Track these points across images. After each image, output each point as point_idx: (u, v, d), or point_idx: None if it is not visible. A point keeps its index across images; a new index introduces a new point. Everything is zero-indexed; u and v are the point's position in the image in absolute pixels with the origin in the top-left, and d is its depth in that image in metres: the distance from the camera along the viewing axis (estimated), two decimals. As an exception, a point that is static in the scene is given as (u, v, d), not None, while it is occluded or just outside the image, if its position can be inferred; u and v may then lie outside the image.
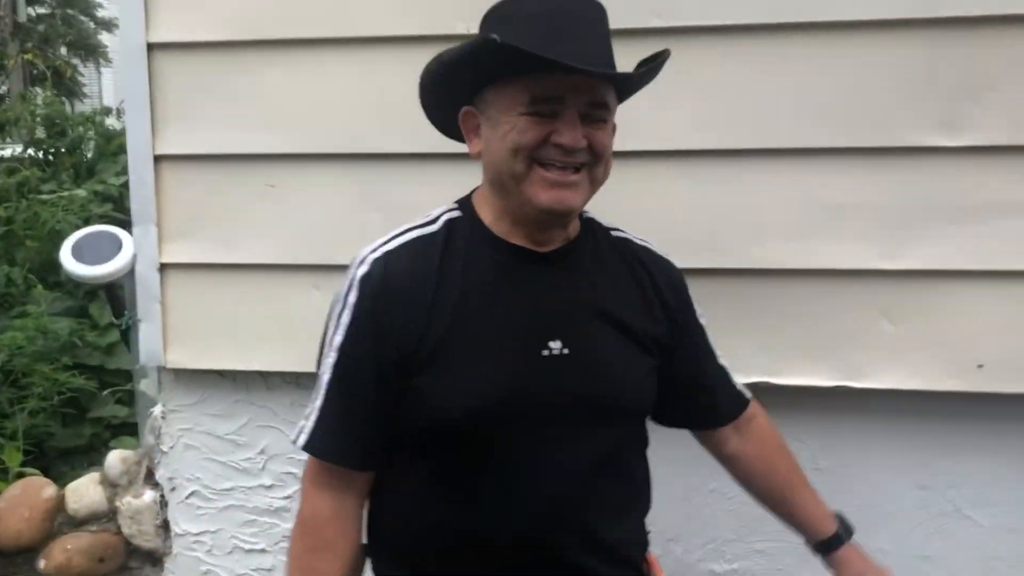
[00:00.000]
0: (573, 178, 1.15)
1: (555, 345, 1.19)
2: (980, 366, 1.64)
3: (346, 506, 1.24)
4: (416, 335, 1.16)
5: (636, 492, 1.31)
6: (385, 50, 1.69)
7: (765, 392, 1.60)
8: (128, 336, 2.74)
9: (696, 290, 1.34)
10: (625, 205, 1.43)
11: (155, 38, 1.79)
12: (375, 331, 1.18)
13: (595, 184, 1.19)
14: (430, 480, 1.21)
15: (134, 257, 1.92)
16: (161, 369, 1.92)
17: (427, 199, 1.69)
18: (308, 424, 1.21)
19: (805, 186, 1.63)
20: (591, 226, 1.30)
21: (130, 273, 1.94)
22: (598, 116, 1.15)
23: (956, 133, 1.58)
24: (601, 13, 1.19)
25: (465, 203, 1.27)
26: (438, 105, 1.26)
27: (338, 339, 1.20)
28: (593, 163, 1.16)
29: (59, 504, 2.13)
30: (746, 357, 1.64)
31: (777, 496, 1.42)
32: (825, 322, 1.66)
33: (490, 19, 1.19)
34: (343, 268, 1.75)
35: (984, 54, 1.56)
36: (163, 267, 1.86)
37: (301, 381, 1.85)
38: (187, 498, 2.02)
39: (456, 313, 1.18)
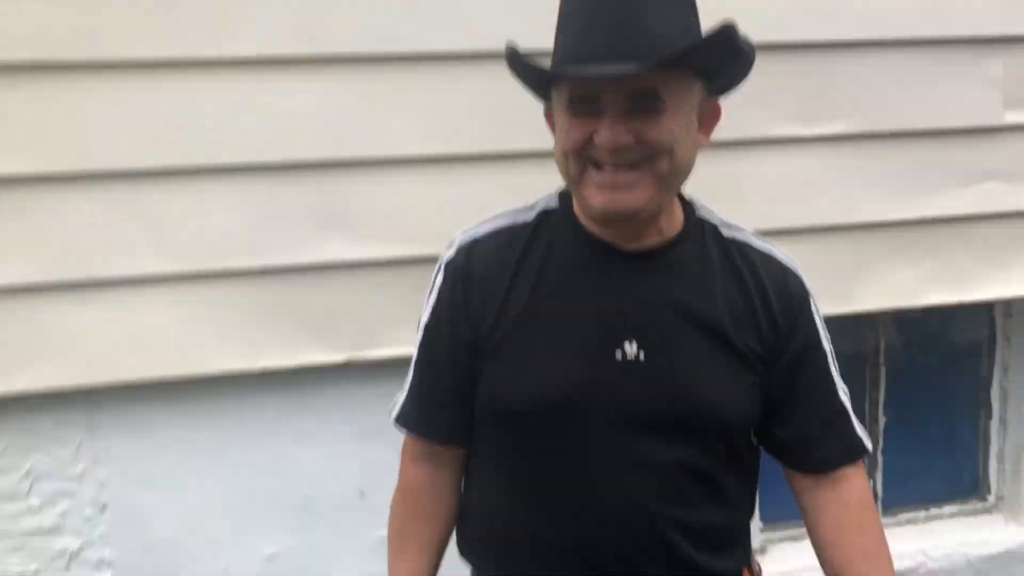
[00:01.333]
0: (626, 178, 1.08)
1: (630, 349, 1.15)
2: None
3: (439, 478, 1.31)
4: (489, 322, 1.18)
5: (734, 520, 1.24)
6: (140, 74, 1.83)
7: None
8: None
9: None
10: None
11: None
12: (453, 313, 1.21)
13: (663, 180, 1.10)
14: (499, 475, 1.23)
15: None
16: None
17: (195, 208, 1.89)
18: (400, 398, 1.30)
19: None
20: (700, 224, 1.23)
21: None
22: (649, 107, 1.06)
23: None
24: None
25: (565, 195, 1.24)
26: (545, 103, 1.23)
27: (424, 318, 1.26)
28: (651, 158, 1.08)
29: None
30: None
31: (836, 570, 1.25)
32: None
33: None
34: (107, 284, 1.88)
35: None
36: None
37: (68, 398, 1.90)
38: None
39: (528, 304, 1.17)
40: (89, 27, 1.79)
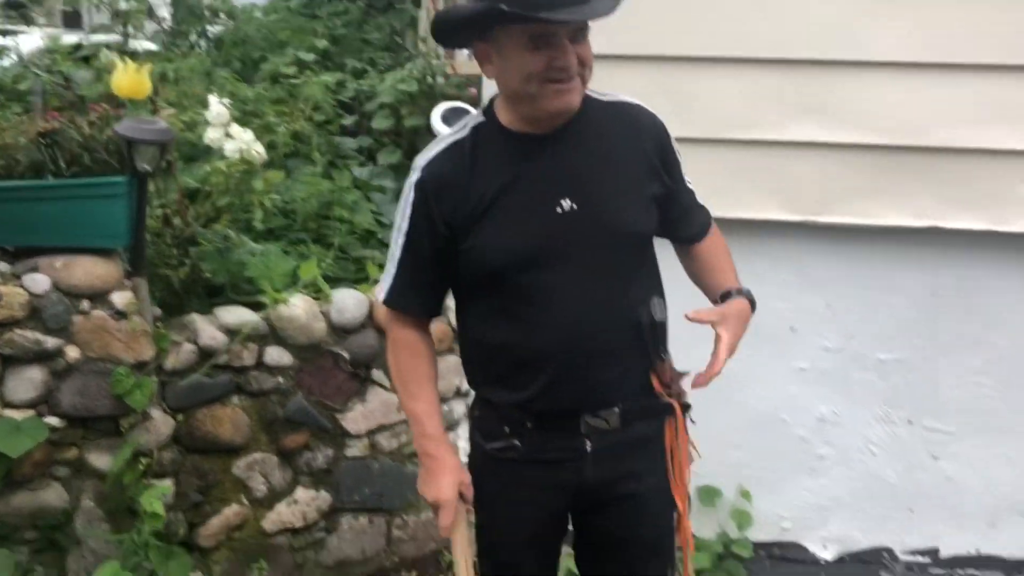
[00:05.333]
0: (571, 85, 1.65)
1: (566, 204, 1.71)
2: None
3: (422, 335, 1.87)
4: (460, 213, 1.72)
5: (653, 288, 1.81)
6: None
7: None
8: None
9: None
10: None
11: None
12: (430, 217, 1.74)
13: (585, 84, 1.70)
14: (490, 314, 1.79)
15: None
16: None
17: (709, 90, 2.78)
18: (385, 286, 1.84)
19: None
20: (584, 99, 1.73)
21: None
22: (581, 35, 1.64)
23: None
24: None
25: (488, 109, 1.79)
26: (451, 40, 1.89)
27: (404, 226, 1.78)
28: (583, 72, 1.67)
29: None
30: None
31: (701, 271, 1.94)
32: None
33: None
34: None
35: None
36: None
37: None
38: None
39: (488, 194, 1.71)
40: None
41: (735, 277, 1.93)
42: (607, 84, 1.88)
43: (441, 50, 6.79)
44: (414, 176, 1.77)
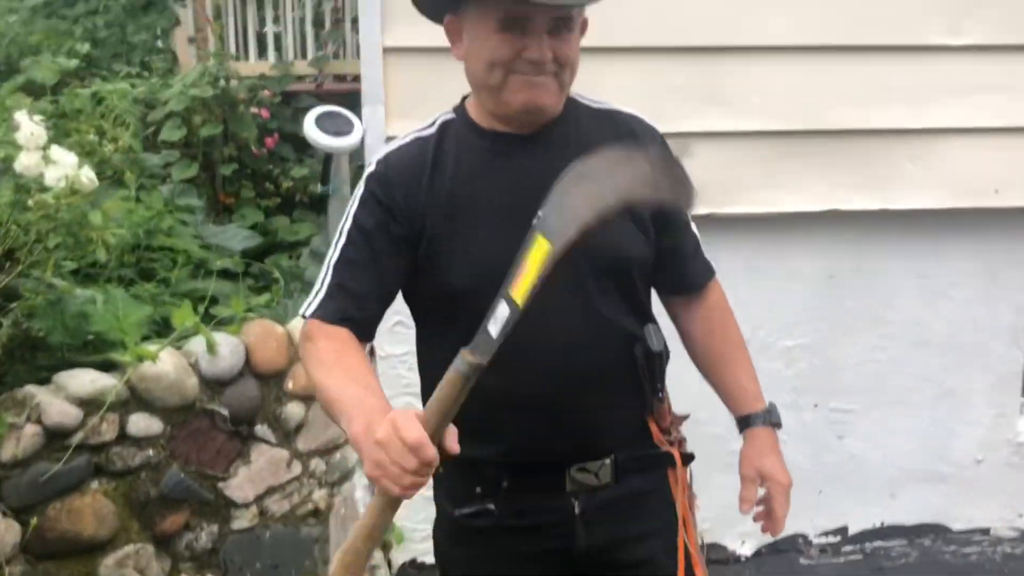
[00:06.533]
0: (542, 79, 1.40)
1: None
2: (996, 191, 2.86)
3: (350, 335, 1.43)
4: (418, 215, 1.44)
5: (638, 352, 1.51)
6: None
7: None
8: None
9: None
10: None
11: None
12: (378, 210, 1.45)
13: (563, 87, 1.45)
14: (454, 348, 1.28)
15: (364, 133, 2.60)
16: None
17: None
18: (315, 300, 1.45)
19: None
20: (573, 104, 1.52)
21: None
22: (563, 28, 1.39)
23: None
24: None
25: (459, 107, 1.54)
26: (429, 9, 1.52)
27: (347, 225, 1.48)
28: (559, 71, 1.41)
29: (289, 339, 2.68)
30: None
31: (709, 361, 1.67)
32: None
33: None
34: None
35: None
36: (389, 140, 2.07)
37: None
38: (392, 326, 2.65)
39: (451, 197, 1.44)
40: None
41: (752, 378, 1.66)
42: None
43: (233, 48, 6.24)
44: (367, 171, 1.50)
